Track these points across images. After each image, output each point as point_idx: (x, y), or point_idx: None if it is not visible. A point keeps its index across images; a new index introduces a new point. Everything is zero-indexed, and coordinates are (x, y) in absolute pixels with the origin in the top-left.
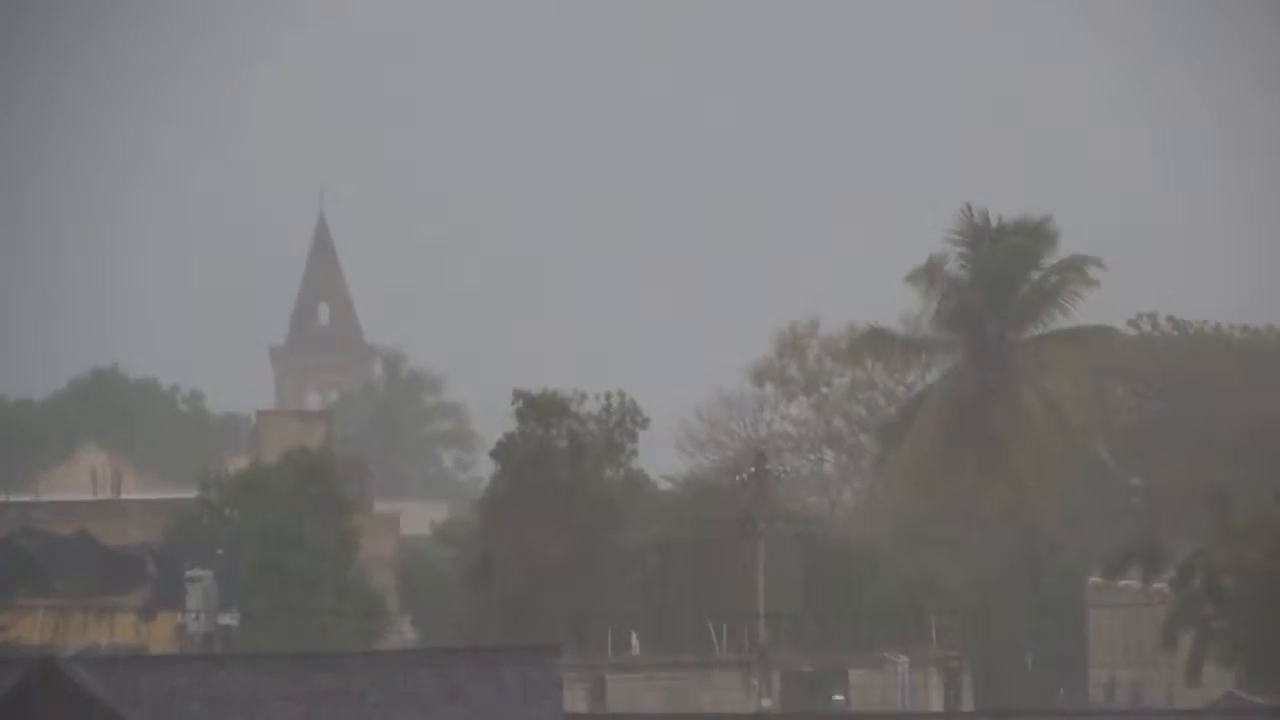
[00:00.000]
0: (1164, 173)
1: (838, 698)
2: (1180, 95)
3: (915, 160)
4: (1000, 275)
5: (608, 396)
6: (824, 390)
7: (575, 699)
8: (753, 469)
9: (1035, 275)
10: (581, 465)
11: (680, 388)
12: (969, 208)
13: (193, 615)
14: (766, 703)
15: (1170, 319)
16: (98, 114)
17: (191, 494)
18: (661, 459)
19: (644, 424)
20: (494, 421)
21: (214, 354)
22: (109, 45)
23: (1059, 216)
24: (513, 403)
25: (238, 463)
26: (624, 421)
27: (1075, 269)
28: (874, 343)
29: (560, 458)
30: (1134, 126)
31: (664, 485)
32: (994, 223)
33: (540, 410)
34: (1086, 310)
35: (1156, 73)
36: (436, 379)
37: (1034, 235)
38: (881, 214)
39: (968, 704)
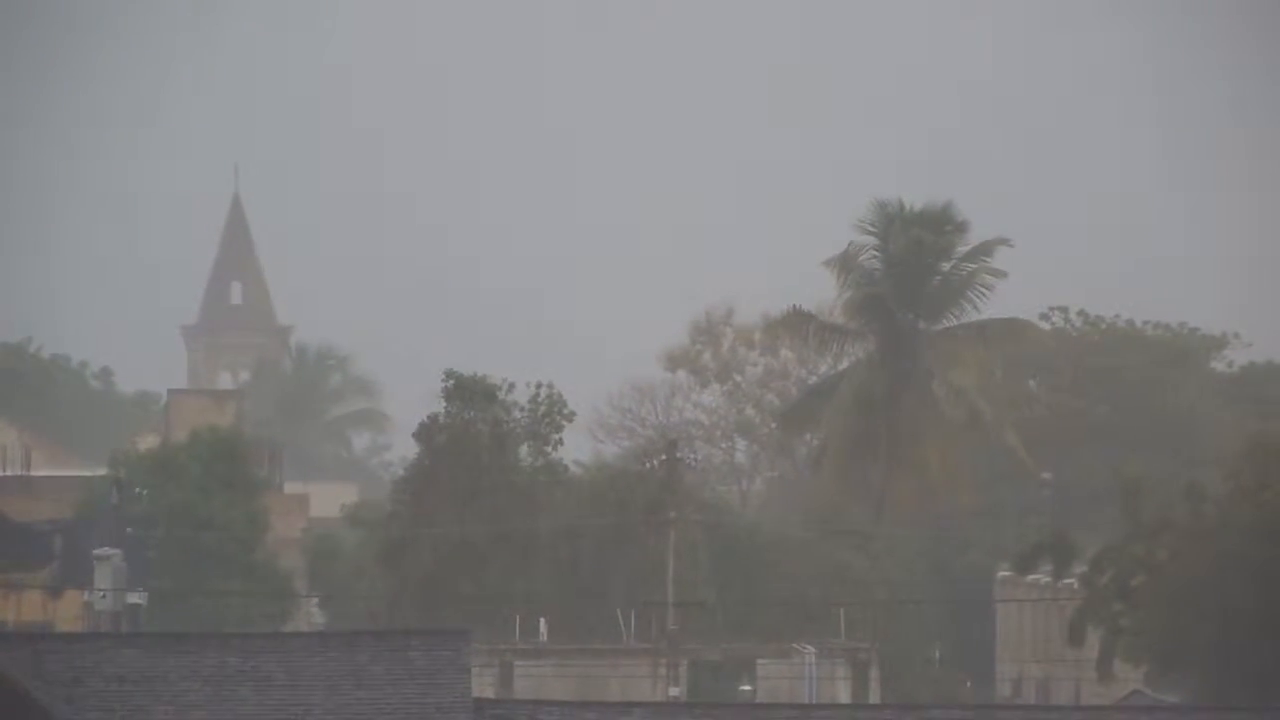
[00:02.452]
0: (1083, 171)
1: (745, 688)
2: (1104, 86)
3: (836, 152)
4: (911, 266)
5: (537, 387)
6: (737, 379)
7: (483, 684)
8: (663, 456)
9: (946, 266)
10: (504, 452)
11: (592, 373)
12: (876, 201)
13: (100, 594)
14: (674, 691)
15: (1082, 313)
16: (10, 85)
17: (101, 472)
18: (574, 445)
19: (570, 417)
20: (408, 403)
21: (126, 331)
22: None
23: (976, 212)
24: (443, 382)
25: (148, 441)
26: (551, 413)
27: (984, 253)
28: (791, 323)
29: (483, 443)
30: (1047, 120)
31: (575, 470)
32: (904, 211)
33: (468, 393)
34: (998, 303)
35: (1082, 57)
36: (345, 359)
37: (942, 222)
38: (802, 204)
39: (875, 696)
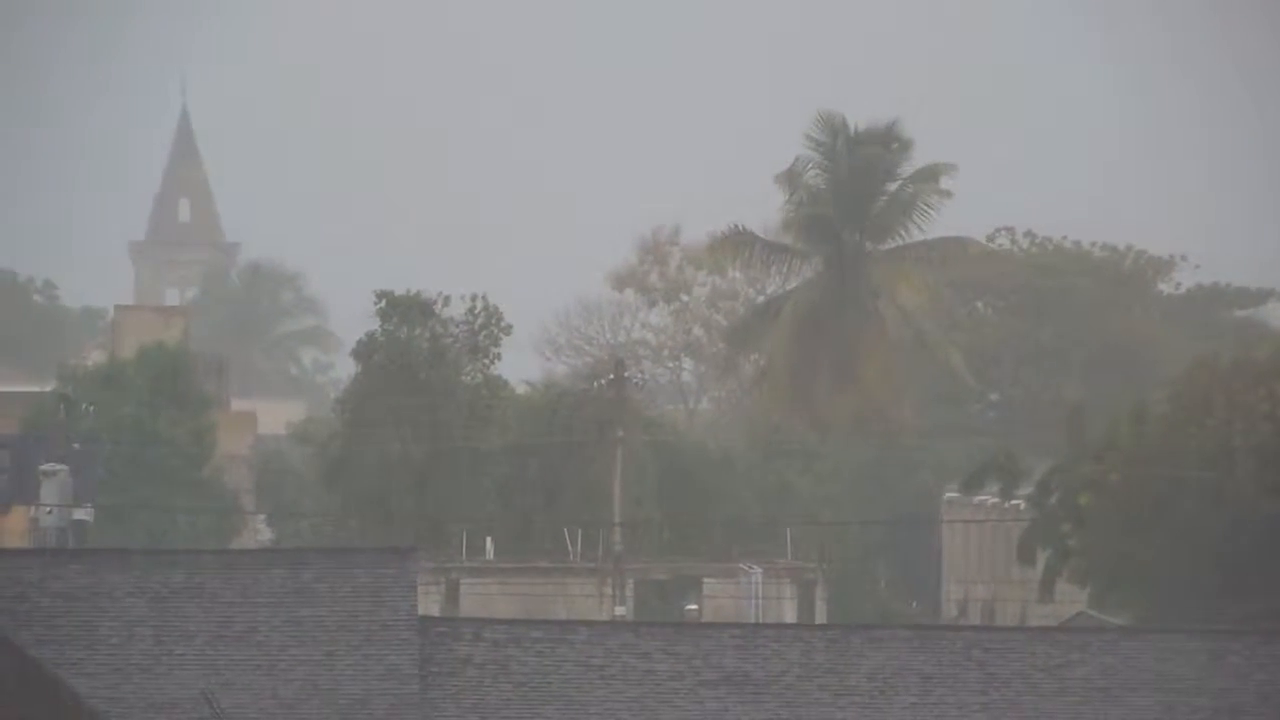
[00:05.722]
0: (1033, 89)
1: (691, 607)
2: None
3: (786, 67)
4: (857, 185)
5: (472, 299)
6: (684, 298)
7: (429, 602)
8: (611, 375)
9: (892, 186)
10: (442, 367)
11: (541, 292)
12: (818, 116)
13: (46, 509)
14: (620, 610)
15: (1029, 234)
16: None
17: (48, 387)
18: (521, 364)
19: (507, 330)
20: (354, 321)
21: (73, 247)
22: None
23: (925, 130)
24: (375, 303)
25: (95, 357)
26: (488, 325)
27: (929, 177)
28: (735, 242)
29: (421, 359)
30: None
31: (522, 390)
32: (851, 130)
33: (403, 310)
34: (945, 223)
35: None
36: (294, 276)
37: (887, 140)
38: (751, 121)
39: (820, 616)
